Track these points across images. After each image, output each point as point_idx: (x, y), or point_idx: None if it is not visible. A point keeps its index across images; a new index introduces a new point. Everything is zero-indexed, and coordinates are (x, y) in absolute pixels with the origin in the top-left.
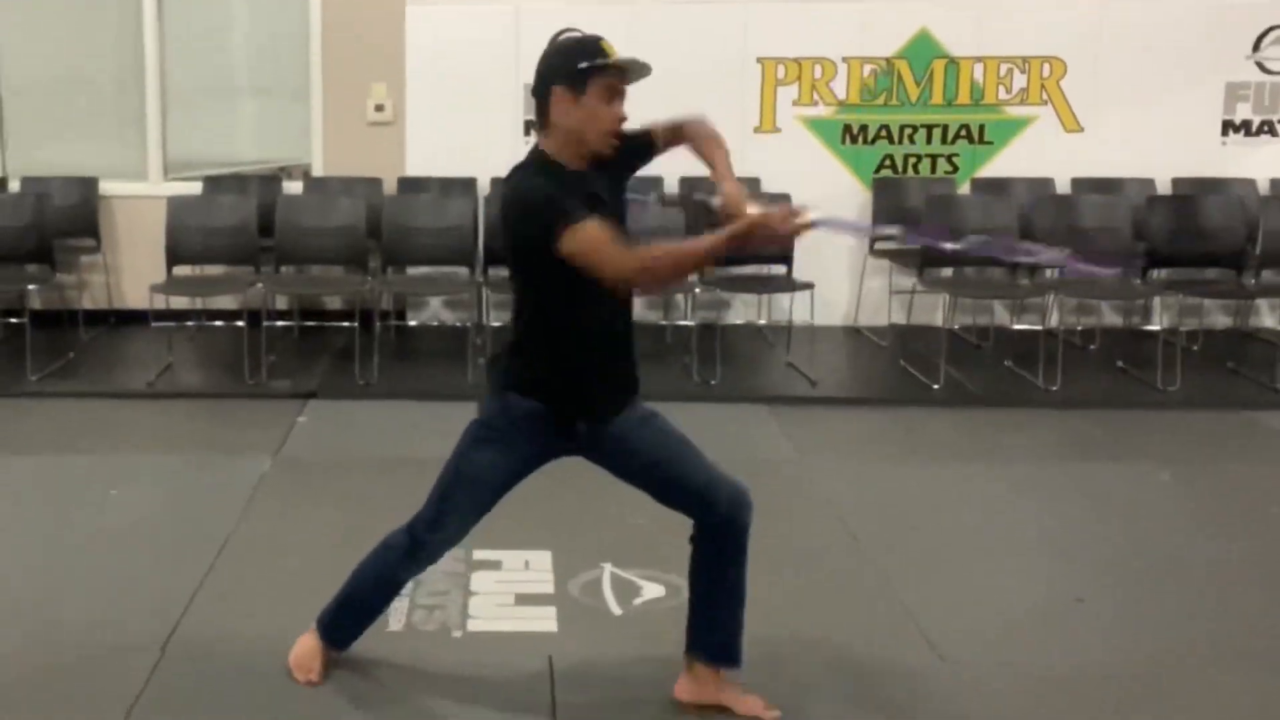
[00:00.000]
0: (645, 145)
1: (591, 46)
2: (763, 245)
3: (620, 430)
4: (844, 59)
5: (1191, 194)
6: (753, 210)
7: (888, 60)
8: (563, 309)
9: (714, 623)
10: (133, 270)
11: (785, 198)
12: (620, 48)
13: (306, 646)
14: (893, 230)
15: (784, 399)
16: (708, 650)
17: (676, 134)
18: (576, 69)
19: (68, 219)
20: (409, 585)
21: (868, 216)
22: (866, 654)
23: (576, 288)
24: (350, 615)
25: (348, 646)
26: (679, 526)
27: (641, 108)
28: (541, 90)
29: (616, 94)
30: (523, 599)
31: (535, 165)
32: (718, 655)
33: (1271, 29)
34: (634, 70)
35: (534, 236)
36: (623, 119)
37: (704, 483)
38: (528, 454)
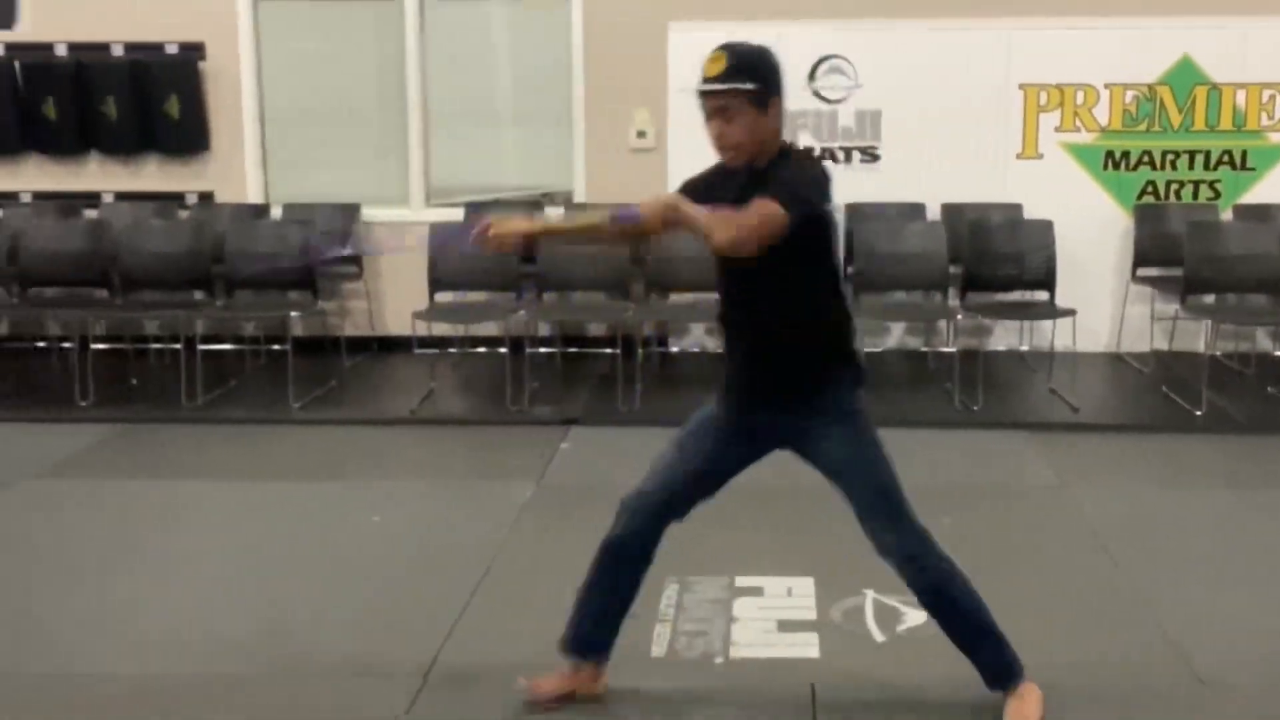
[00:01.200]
0: None
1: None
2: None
3: (812, 454)
4: (1106, 85)
5: None
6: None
7: (1150, 86)
8: (821, 282)
9: (977, 657)
10: (395, 297)
11: (1048, 225)
12: (878, 72)
13: (560, 681)
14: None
15: (1046, 425)
16: (993, 681)
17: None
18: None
19: (331, 246)
20: (669, 611)
21: (1130, 244)
22: (1129, 681)
23: (822, 263)
24: (582, 606)
25: (599, 650)
26: (947, 549)
27: (904, 133)
28: None
29: (709, 115)
30: (785, 625)
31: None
32: (997, 682)
33: None
34: (708, 94)
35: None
36: (719, 135)
37: (880, 543)
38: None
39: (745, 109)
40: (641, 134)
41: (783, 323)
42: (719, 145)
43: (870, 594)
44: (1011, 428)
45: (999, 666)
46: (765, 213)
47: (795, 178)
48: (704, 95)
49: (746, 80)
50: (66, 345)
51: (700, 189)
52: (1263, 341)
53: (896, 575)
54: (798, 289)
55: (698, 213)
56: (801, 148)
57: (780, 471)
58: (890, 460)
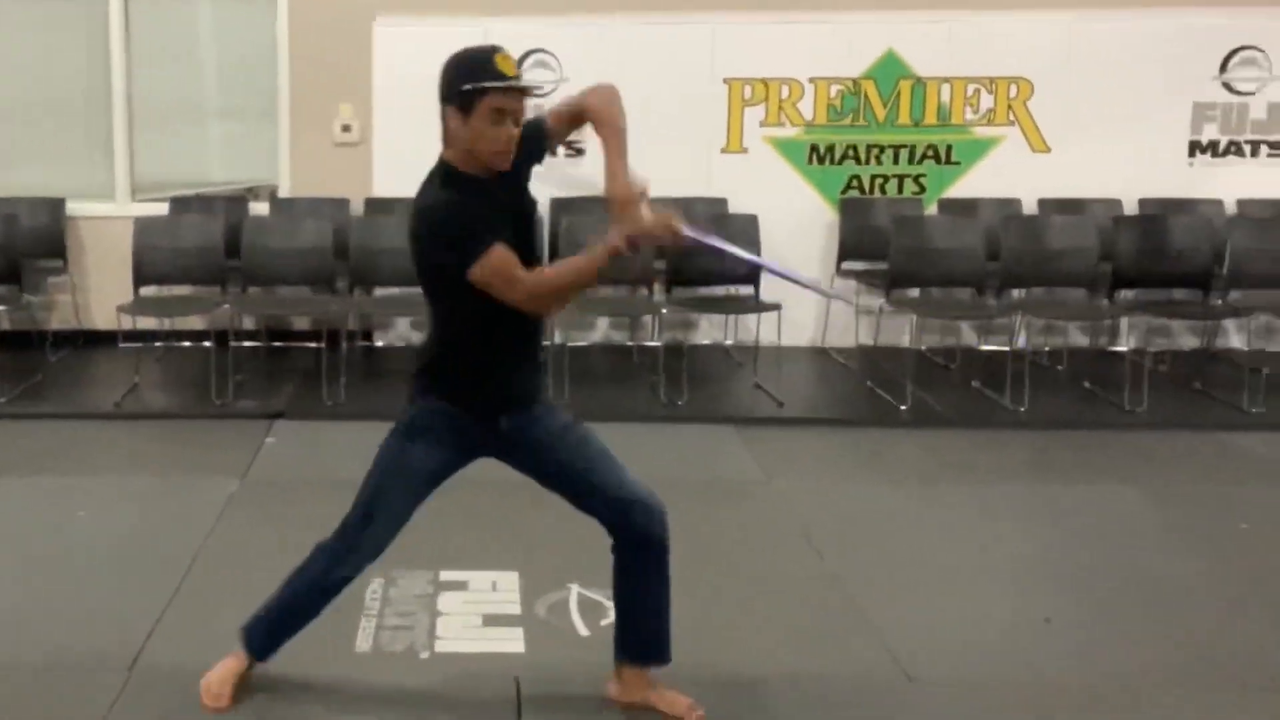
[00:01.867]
0: (540, 137)
1: (480, 65)
2: (649, 246)
3: (539, 433)
4: (811, 79)
5: (1158, 214)
6: (642, 209)
7: (854, 80)
8: (477, 322)
9: (639, 627)
10: (100, 291)
11: (753, 219)
12: (585, 65)
13: (224, 669)
14: (759, 261)
15: (751, 420)
16: (632, 653)
17: (577, 116)
18: (461, 90)
19: (35, 240)
20: (374, 605)
21: (835, 238)
22: (835, 676)
23: (488, 303)
24: (281, 624)
25: (270, 656)
26: None
27: None
28: (440, 104)
29: (505, 114)
30: (490, 620)
31: (441, 178)
32: (644, 655)
33: (1238, 49)
34: (522, 90)
35: (446, 264)
36: (512, 137)
37: (618, 494)
38: (454, 448)
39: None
40: (346, 128)
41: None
42: (504, 150)
43: (575, 588)
44: (717, 422)
45: (662, 643)
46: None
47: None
48: (515, 93)
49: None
50: None
51: (496, 219)
52: (967, 335)
53: (631, 531)
54: None
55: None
56: None
57: (485, 466)
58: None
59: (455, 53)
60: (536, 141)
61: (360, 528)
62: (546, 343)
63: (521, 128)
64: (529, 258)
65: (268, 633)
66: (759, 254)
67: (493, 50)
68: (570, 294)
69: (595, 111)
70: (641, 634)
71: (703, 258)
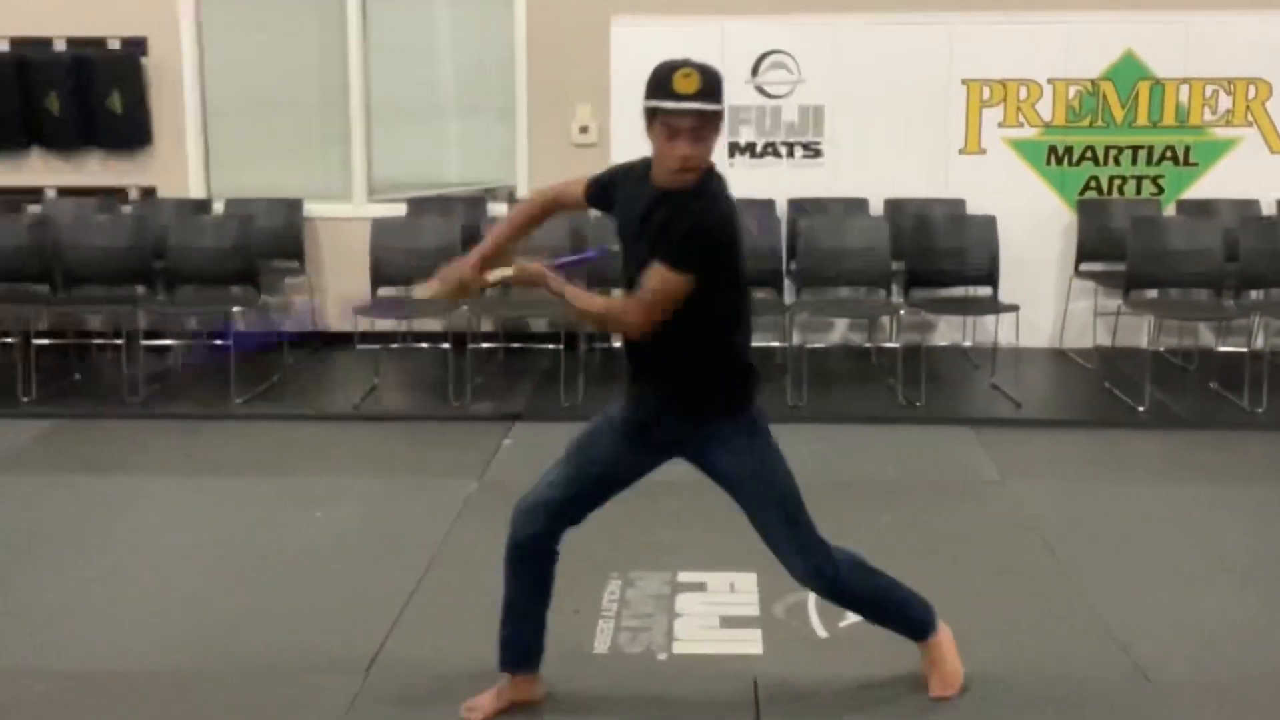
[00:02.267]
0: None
1: (661, 82)
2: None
3: (708, 465)
4: (1049, 80)
5: None
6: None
7: (1093, 82)
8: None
9: (898, 622)
10: (337, 292)
11: (991, 220)
12: (822, 67)
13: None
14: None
15: (989, 421)
16: (916, 636)
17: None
18: (645, 105)
19: (272, 241)
20: (611, 606)
21: (1073, 239)
22: (1072, 676)
23: (723, 293)
24: (513, 628)
25: (531, 659)
26: (886, 546)
27: (846, 128)
28: None
29: (677, 134)
30: (728, 621)
31: (640, 161)
32: (916, 636)
33: None
34: (696, 113)
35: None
36: (685, 156)
37: (782, 561)
38: (624, 436)
39: (712, 133)
40: (584, 129)
41: (681, 343)
42: (683, 167)
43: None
44: (954, 423)
45: (914, 626)
46: (658, 289)
47: (690, 233)
48: (681, 114)
49: (718, 101)
50: (9, 341)
51: (614, 193)
52: (1205, 336)
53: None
54: (695, 314)
55: (593, 302)
56: (717, 175)
57: None
58: (791, 475)
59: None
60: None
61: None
62: (783, 344)
63: (703, 146)
64: (628, 271)
65: (508, 638)
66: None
67: (675, 67)
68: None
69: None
70: (900, 628)
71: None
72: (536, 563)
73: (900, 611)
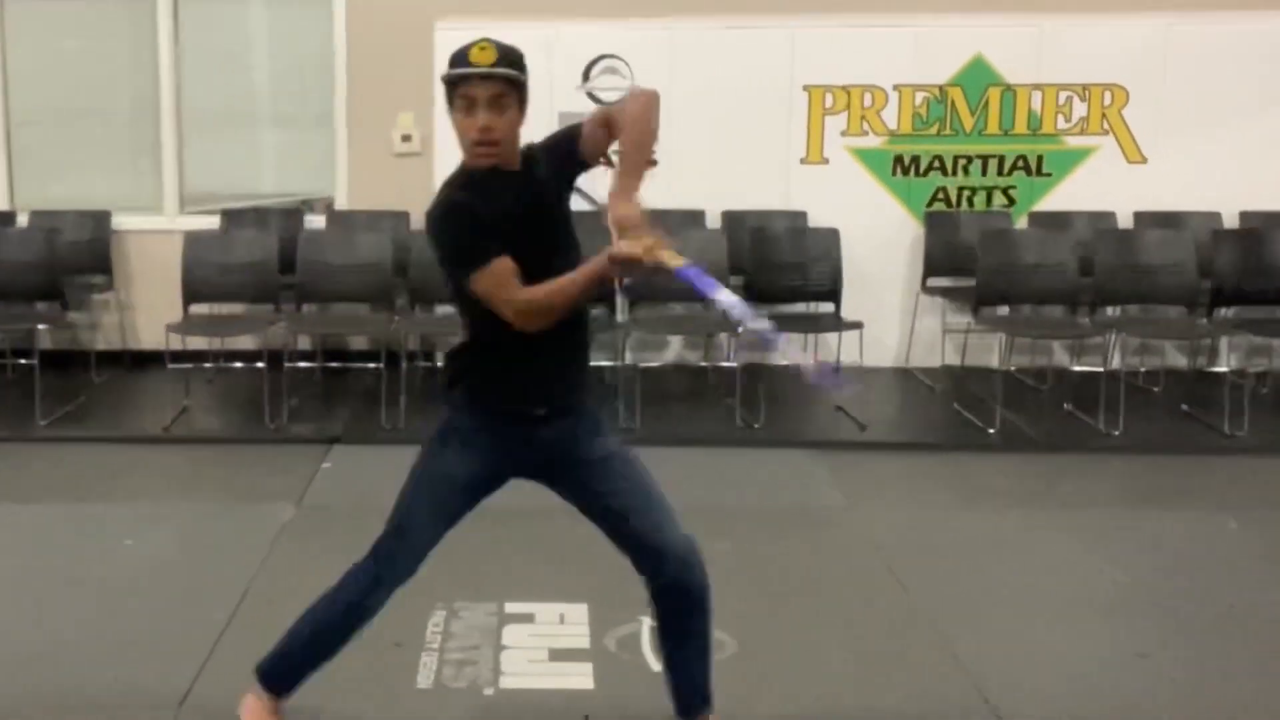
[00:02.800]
0: (570, 139)
1: (457, 55)
2: (641, 274)
3: (579, 454)
4: (895, 87)
5: (1260, 228)
6: (641, 233)
7: (940, 88)
8: (500, 323)
9: (680, 679)
10: (148, 309)
11: (834, 233)
12: (656, 72)
13: (253, 712)
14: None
15: (832, 444)
16: (679, 706)
17: (610, 122)
18: (443, 80)
19: (79, 255)
20: (435, 638)
21: (920, 253)
22: (920, 713)
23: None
24: (306, 658)
25: (293, 692)
26: (724, 576)
27: (682, 136)
28: None
29: (474, 104)
30: (558, 654)
31: (453, 178)
32: (687, 709)
33: None
34: (486, 76)
35: (452, 273)
36: (484, 128)
37: (656, 543)
38: (489, 455)
39: (513, 103)
40: (406, 138)
41: (584, 327)
42: (482, 139)
43: (646, 621)
44: (796, 446)
45: (705, 689)
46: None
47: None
48: (477, 80)
49: (518, 71)
50: None
51: (503, 224)
52: (1059, 355)
53: (663, 580)
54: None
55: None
56: (537, 157)
57: (548, 492)
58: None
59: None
60: (567, 144)
61: (392, 544)
62: (615, 363)
63: (505, 118)
64: (554, 262)
65: (291, 668)
66: (841, 271)
67: (475, 41)
68: (559, 313)
69: (620, 121)
70: (682, 687)
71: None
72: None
73: (707, 658)
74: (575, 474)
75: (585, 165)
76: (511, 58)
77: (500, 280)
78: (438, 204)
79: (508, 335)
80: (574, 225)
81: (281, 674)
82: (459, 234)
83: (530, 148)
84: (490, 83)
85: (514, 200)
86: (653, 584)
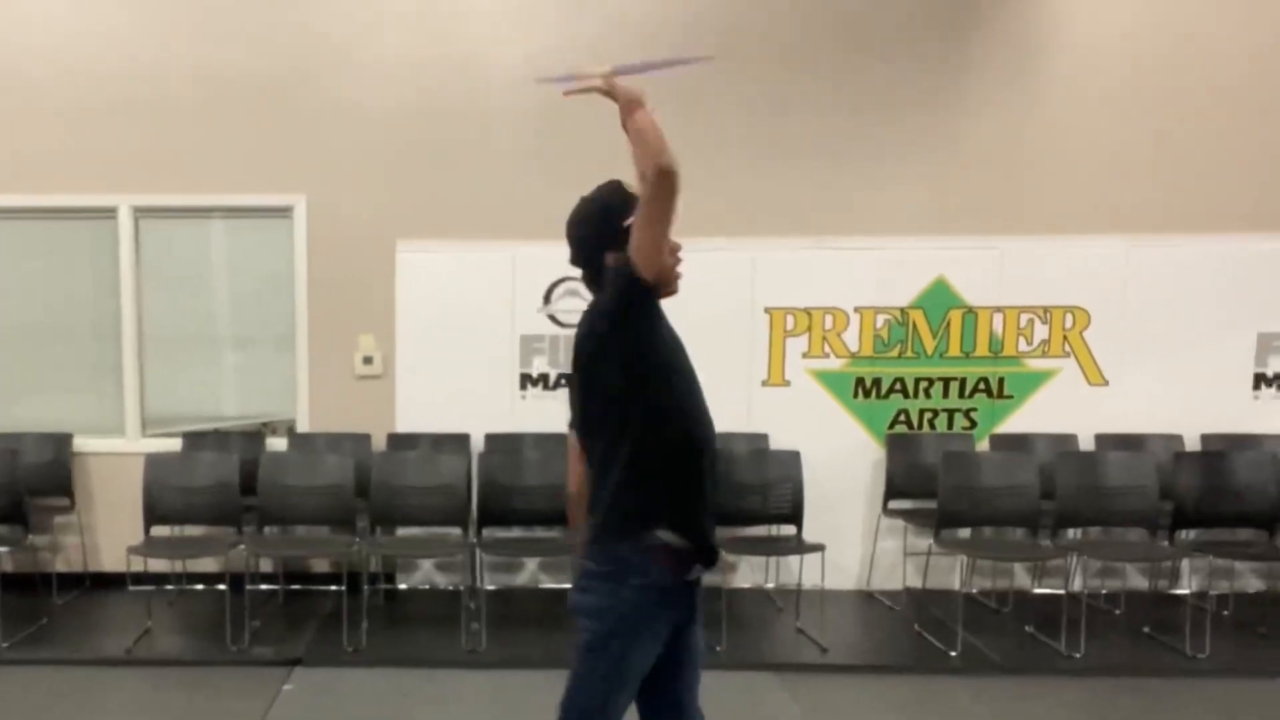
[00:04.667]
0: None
1: (630, 200)
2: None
3: (693, 638)
4: (856, 309)
5: (1222, 450)
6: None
7: (902, 310)
8: (672, 415)
9: None
10: (109, 531)
11: (795, 456)
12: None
13: None
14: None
15: (793, 666)
16: None
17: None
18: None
19: (40, 477)
20: None
21: (881, 475)
22: None
23: (665, 392)
24: None
25: None
26: None
27: None
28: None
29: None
30: None
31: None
32: None
33: None
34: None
35: (618, 313)
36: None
37: (692, 713)
38: (667, 628)
39: None
40: (368, 360)
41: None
42: (677, 278)
43: None
44: (757, 669)
45: None
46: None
47: None
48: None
49: None
50: None
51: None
52: (1020, 577)
53: None
54: None
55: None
56: None
57: None
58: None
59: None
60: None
61: None
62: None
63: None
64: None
65: None
66: (803, 493)
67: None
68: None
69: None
70: None
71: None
72: None
73: None
74: (684, 650)
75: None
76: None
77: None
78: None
79: (682, 436)
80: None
81: None
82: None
83: None
84: None
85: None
86: None
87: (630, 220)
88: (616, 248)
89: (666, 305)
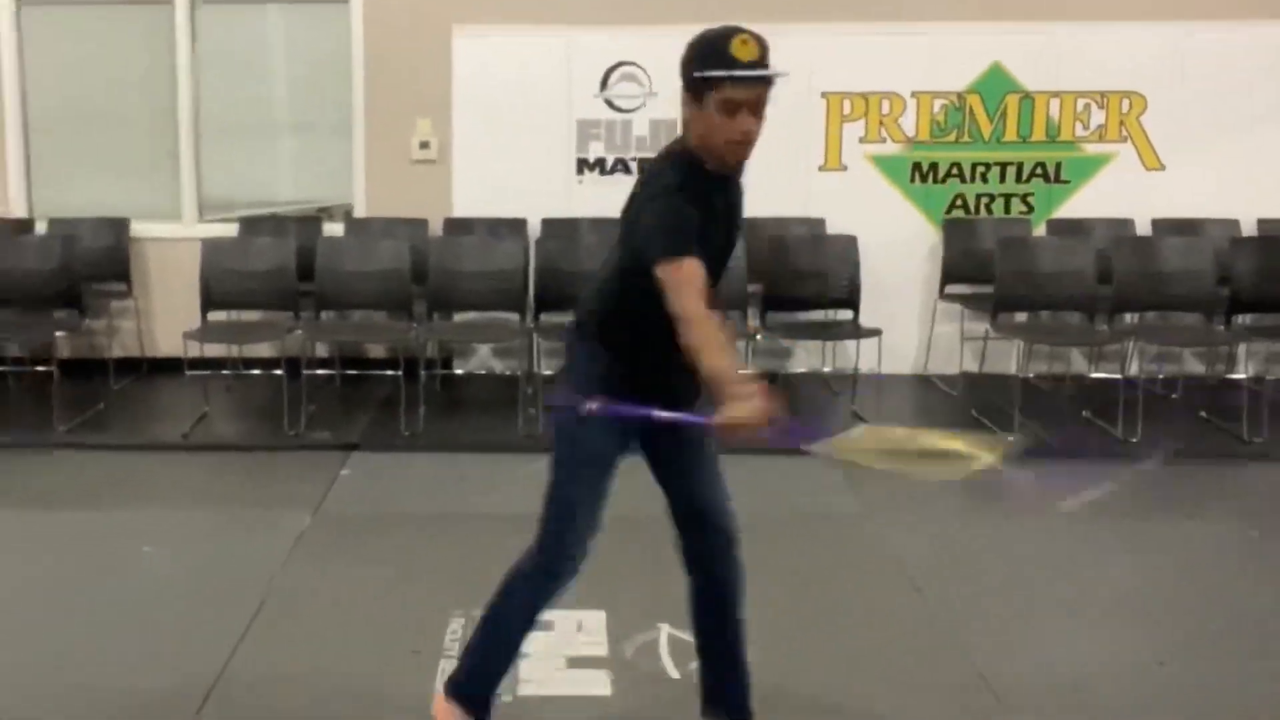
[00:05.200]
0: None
1: (714, 51)
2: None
3: (689, 433)
4: (913, 94)
5: (1278, 235)
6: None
7: (959, 95)
8: (649, 300)
9: (727, 675)
10: (166, 316)
11: (852, 240)
12: (674, 79)
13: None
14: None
15: None
16: (731, 708)
17: None
18: (693, 76)
19: (97, 262)
20: (453, 645)
21: (938, 260)
22: (934, 714)
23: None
24: (494, 664)
25: (489, 707)
26: (752, 577)
27: None
28: (681, 87)
29: (739, 107)
30: (575, 662)
31: (675, 162)
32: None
33: None
34: (762, 80)
35: (640, 248)
36: (748, 131)
37: (705, 506)
38: (626, 436)
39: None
40: (424, 144)
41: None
42: (743, 144)
43: (665, 628)
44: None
45: (746, 698)
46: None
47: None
48: (746, 84)
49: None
50: None
51: (708, 228)
52: (1077, 362)
53: (724, 543)
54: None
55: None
56: None
57: None
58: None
59: (699, 34)
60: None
61: (561, 531)
62: None
63: (762, 119)
64: (717, 270)
65: (486, 684)
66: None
67: (730, 33)
68: (693, 351)
69: None
70: (717, 689)
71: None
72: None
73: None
74: (679, 447)
75: None
76: (768, 50)
77: (688, 279)
78: (660, 185)
79: (653, 323)
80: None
81: (480, 693)
82: (670, 219)
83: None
84: (762, 85)
85: (721, 203)
86: (686, 548)
87: (700, 73)
88: (688, 89)
89: None
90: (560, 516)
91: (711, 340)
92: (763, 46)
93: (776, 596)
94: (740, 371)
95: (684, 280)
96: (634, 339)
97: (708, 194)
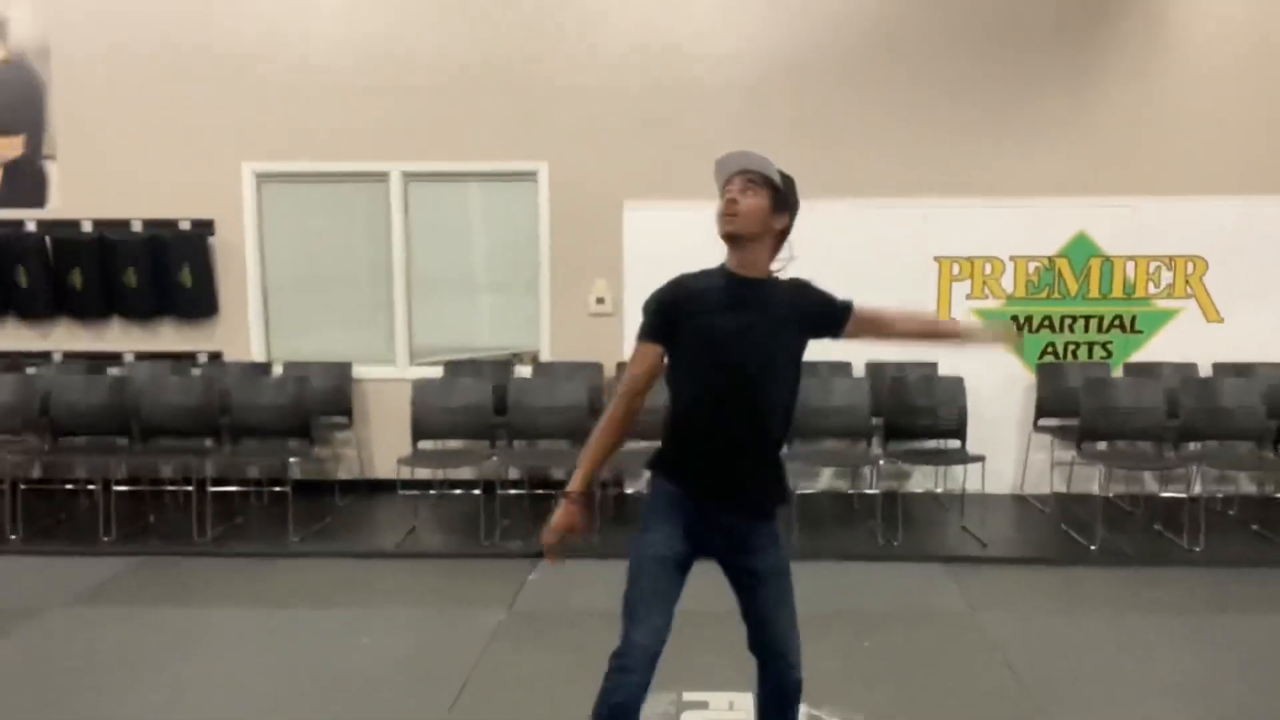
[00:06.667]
0: (835, 310)
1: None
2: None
3: (757, 564)
4: (1011, 257)
5: None
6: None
7: (1050, 259)
8: (673, 387)
9: None
10: (382, 444)
11: (959, 381)
12: (813, 246)
13: None
14: None
15: (958, 558)
16: None
17: (879, 326)
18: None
19: (325, 399)
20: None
21: (1033, 398)
22: None
23: (679, 370)
24: None
25: None
26: (867, 669)
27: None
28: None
29: (729, 182)
30: None
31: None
32: None
33: None
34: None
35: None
36: (732, 202)
37: (775, 644)
38: (681, 528)
39: (762, 191)
40: (600, 300)
41: (779, 424)
42: (725, 211)
43: (805, 709)
44: (927, 561)
45: None
46: None
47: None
48: (728, 161)
49: (773, 175)
50: (92, 487)
51: (692, 310)
52: (1149, 484)
53: (770, 671)
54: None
55: None
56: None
57: (719, 595)
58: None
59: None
60: (833, 307)
61: (627, 631)
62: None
63: (751, 200)
64: (747, 358)
65: None
66: (966, 413)
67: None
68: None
69: (890, 329)
70: None
71: (913, 413)
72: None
73: None
74: (751, 574)
75: (833, 335)
76: (770, 168)
77: (633, 358)
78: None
79: (683, 406)
80: (796, 368)
81: None
82: (652, 300)
83: (793, 280)
84: (741, 168)
85: (721, 294)
86: (763, 672)
87: (783, 224)
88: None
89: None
90: (627, 615)
91: (601, 422)
92: (760, 161)
93: (891, 682)
94: (577, 474)
95: (632, 359)
96: (672, 423)
97: (713, 282)
